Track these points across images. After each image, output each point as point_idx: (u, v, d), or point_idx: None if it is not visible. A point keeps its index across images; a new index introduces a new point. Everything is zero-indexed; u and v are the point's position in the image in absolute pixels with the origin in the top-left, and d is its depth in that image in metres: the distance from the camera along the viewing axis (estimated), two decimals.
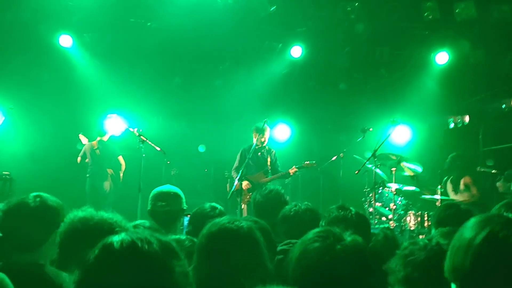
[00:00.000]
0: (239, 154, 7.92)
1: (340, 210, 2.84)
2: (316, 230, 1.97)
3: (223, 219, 2.16)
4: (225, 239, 2.06)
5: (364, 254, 1.84)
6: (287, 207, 3.47)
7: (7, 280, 1.99)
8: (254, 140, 7.60)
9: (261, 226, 2.56)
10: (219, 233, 2.08)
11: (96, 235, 1.77)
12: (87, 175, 9.06)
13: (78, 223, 2.16)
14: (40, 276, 2.26)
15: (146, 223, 3.13)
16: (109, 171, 9.13)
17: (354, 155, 7.94)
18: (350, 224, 2.64)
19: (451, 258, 1.44)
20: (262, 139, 7.67)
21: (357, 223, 2.74)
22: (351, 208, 2.89)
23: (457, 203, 3.83)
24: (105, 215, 2.20)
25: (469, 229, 1.42)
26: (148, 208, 3.77)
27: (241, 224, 2.12)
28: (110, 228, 2.09)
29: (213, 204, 3.63)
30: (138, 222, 3.12)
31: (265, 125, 7.57)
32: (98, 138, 9.04)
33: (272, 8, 7.97)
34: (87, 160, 9.08)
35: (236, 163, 7.89)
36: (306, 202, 3.47)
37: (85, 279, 1.40)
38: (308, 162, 7.75)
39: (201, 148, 10.68)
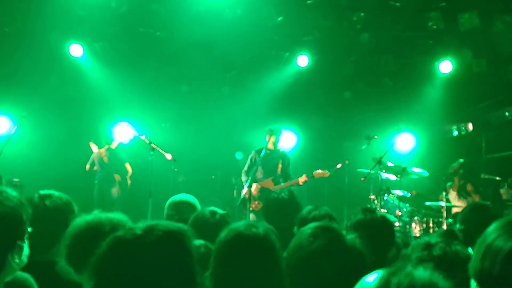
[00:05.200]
0: (250, 157, 7.54)
1: (366, 213, 2.77)
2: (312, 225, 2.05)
3: (240, 225, 2.14)
4: (243, 245, 2.06)
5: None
6: (305, 209, 3.33)
7: (31, 280, 2.05)
8: (270, 143, 7.24)
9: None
10: (236, 239, 2.08)
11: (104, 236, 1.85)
12: (95, 182, 9.21)
13: (85, 227, 2.17)
14: (51, 273, 2.30)
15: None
16: (117, 177, 9.26)
17: (358, 170, 7.77)
18: (375, 227, 2.62)
19: (479, 260, 1.50)
20: (275, 141, 7.27)
21: (382, 227, 2.71)
22: (377, 211, 2.83)
23: (486, 204, 3.78)
24: (112, 216, 2.22)
25: (497, 235, 1.48)
26: (164, 216, 3.89)
27: (258, 230, 2.11)
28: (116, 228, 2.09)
29: (213, 208, 3.47)
30: None
31: (280, 128, 7.36)
32: (106, 146, 9.16)
33: (279, 18, 8.11)
34: (95, 167, 9.22)
35: (246, 166, 7.52)
36: (325, 208, 3.34)
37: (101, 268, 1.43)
38: (320, 170, 7.22)
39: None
